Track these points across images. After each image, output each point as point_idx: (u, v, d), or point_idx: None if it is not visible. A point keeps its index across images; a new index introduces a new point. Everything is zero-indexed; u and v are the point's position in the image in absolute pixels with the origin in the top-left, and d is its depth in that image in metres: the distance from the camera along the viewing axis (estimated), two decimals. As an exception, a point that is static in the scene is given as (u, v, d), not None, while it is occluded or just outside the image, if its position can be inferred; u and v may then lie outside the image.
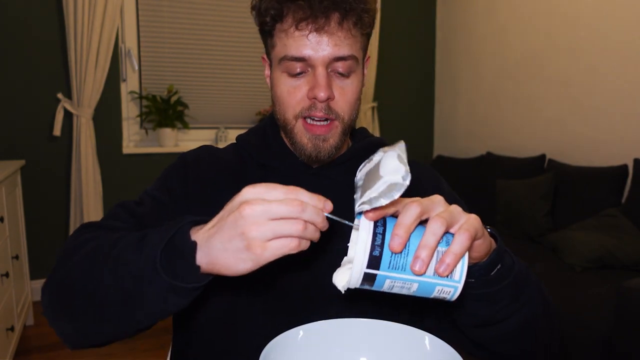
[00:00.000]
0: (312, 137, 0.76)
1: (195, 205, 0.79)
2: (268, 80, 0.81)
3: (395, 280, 0.51)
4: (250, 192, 0.51)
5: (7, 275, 2.05)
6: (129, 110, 3.06)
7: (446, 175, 1.01)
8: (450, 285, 0.52)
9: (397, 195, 0.49)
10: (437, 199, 0.55)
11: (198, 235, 0.54)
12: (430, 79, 4.04)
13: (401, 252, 0.50)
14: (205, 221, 0.56)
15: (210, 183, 0.81)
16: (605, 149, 2.67)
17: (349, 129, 0.79)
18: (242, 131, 0.90)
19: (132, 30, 3.00)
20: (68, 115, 2.82)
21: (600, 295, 1.90)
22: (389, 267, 0.50)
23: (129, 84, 3.04)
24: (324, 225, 0.52)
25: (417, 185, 0.85)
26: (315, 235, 0.52)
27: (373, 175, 0.55)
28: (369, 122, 3.69)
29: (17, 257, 2.32)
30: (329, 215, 0.53)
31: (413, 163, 0.91)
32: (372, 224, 0.52)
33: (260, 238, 0.49)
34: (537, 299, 0.68)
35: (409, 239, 0.51)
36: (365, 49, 0.79)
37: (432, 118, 4.10)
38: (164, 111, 3.00)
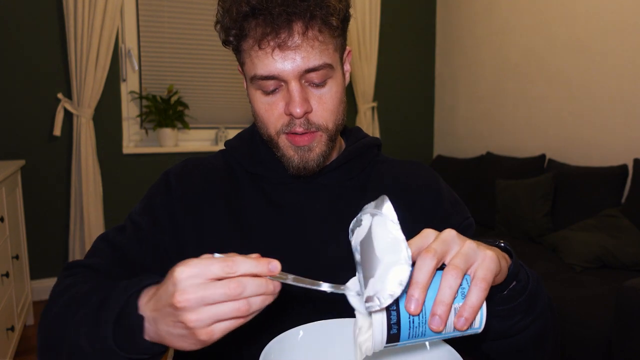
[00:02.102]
0: (298, 149, 0.73)
1: (186, 221, 0.78)
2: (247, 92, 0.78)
3: (416, 343, 0.50)
4: (182, 275, 0.47)
5: (7, 275, 2.05)
6: (129, 110, 3.06)
7: (446, 175, 1.01)
8: (471, 332, 0.51)
9: (405, 283, 0.45)
10: (451, 237, 0.50)
11: (146, 308, 0.52)
12: (430, 79, 4.04)
13: (418, 315, 0.48)
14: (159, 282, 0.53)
15: (199, 195, 0.80)
16: (605, 149, 2.67)
17: (337, 134, 0.77)
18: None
19: (132, 30, 3.00)
20: (68, 115, 2.82)
21: (601, 295, 1.90)
22: (408, 338, 0.49)
23: (129, 84, 3.04)
24: (274, 289, 0.49)
25: (416, 185, 0.85)
26: (267, 302, 0.49)
27: (369, 252, 0.49)
28: (369, 122, 3.69)
29: (17, 257, 2.31)
30: (294, 283, 0.50)
31: (412, 162, 0.91)
32: None
33: (201, 326, 0.47)
34: (547, 310, 0.66)
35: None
36: (341, 48, 0.75)
37: (432, 118, 4.10)
38: (164, 111, 3.00)
